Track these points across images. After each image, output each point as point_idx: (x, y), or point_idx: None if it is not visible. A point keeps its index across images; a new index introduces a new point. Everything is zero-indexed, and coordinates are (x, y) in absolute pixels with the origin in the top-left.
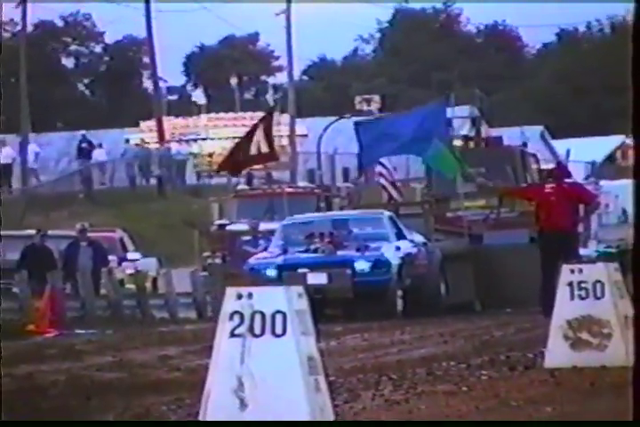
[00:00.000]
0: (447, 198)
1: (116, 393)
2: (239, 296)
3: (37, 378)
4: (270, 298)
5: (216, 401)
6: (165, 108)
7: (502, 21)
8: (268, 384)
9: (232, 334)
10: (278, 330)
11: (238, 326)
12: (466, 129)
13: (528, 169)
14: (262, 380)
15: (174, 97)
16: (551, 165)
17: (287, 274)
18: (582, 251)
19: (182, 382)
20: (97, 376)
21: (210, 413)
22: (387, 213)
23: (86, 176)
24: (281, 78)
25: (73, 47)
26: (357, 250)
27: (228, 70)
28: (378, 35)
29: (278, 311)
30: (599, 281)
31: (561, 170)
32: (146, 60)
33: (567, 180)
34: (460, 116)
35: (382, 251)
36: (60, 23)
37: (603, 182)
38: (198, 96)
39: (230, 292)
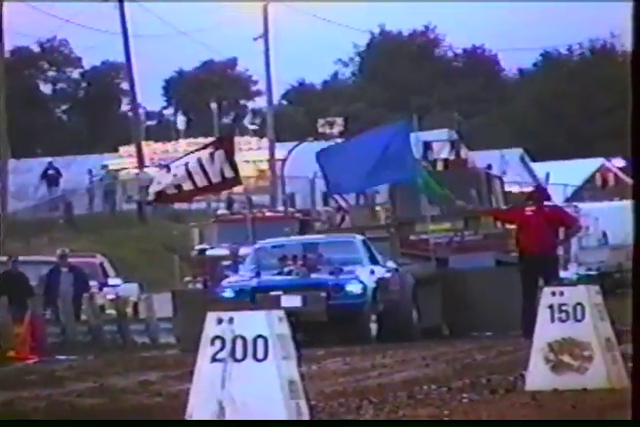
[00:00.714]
0: (412, 221)
1: (96, 419)
2: (220, 321)
3: (18, 404)
4: (251, 322)
5: None
6: (144, 133)
7: (481, 45)
8: (249, 409)
9: (213, 359)
10: (260, 354)
11: (220, 350)
12: (445, 152)
13: (493, 191)
14: (243, 404)
15: (153, 122)
16: (530, 188)
17: (261, 296)
18: (563, 273)
19: (164, 407)
20: (78, 402)
21: None
22: (359, 237)
23: (67, 202)
24: (260, 103)
25: (50, 73)
26: (331, 273)
27: (208, 95)
28: (357, 58)
29: (259, 336)
30: (580, 304)
31: (540, 193)
32: (124, 85)
33: (547, 203)
34: (439, 140)
35: (357, 274)
36: (36, 49)
37: (582, 205)
38: (178, 121)
39: (211, 316)
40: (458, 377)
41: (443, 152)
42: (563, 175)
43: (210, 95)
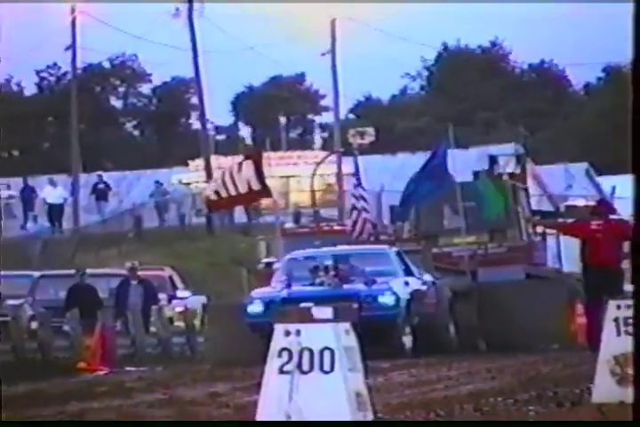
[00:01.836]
0: (435, 235)
1: None
2: (287, 333)
3: (88, 415)
4: (318, 335)
5: None
6: (213, 148)
7: (549, 60)
8: (324, 412)
9: (281, 371)
10: (326, 366)
11: (287, 362)
12: (511, 166)
13: (519, 202)
14: (311, 416)
15: (222, 136)
16: (594, 202)
17: (290, 308)
18: (629, 287)
19: (231, 418)
20: (147, 413)
21: None
22: (394, 249)
23: (137, 215)
24: (328, 117)
25: (121, 89)
26: (364, 284)
27: (276, 110)
28: (425, 73)
29: (326, 348)
30: None
31: (604, 206)
32: (194, 100)
33: (613, 216)
34: (505, 154)
35: (390, 285)
36: (107, 65)
37: None
38: (246, 135)
39: (278, 329)
40: (524, 389)
41: (509, 166)
42: (629, 189)
43: (278, 110)
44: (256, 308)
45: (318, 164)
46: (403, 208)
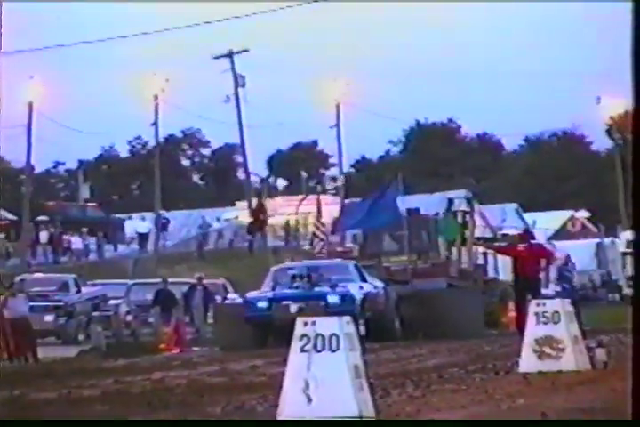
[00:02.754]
0: (377, 254)
1: (220, 392)
2: (306, 324)
3: (167, 382)
4: (328, 325)
5: (290, 397)
6: (254, 193)
7: (490, 132)
8: (326, 385)
9: (301, 350)
10: (334, 347)
11: (306, 344)
12: (463, 206)
13: (469, 230)
14: (323, 382)
15: (260, 185)
16: (519, 231)
17: (275, 305)
18: (545, 291)
19: (267, 384)
20: (207, 380)
21: (286, 406)
22: (352, 262)
23: (199, 241)
24: (334, 171)
25: (189, 152)
26: (330, 287)
27: (298, 166)
28: (403, 140)
29: (334, 334)
30: (557, 312)
31: (526, 235)
32: (240, 159)
33: (533, 241)
34: (459, 197)
35: (349, 288)
36: (179, 135)
37: (557, 243)
38: (278, 184)
39: (299, 320)
40: (472, 363)
41: (462, 206)
42: (545, 222)
43: (299, 166)
44: (253, 306)
45: (297, 205)
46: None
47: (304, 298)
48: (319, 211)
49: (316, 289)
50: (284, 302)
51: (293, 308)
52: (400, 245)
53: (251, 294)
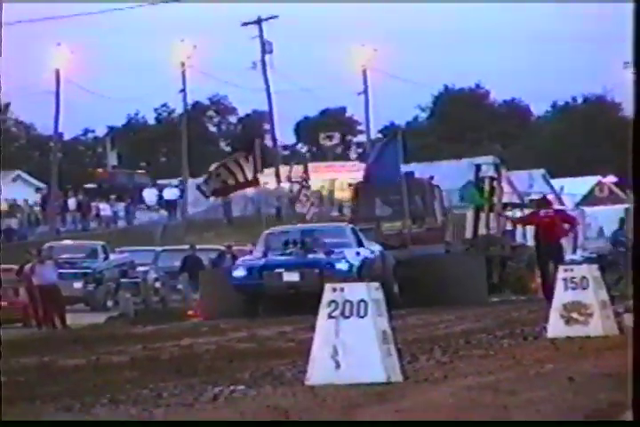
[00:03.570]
0: (371, 219)
1: (249, 358)
2: (334, 290)
3: (195, 348)
4: (356, 291)
5: (318, 363)
6: (281, 160)
7: (518, 98)
8: (355, 351)
9: (329, 316)
10: (362, 313)
11: (334, 310)
12: (491, 172)
13: (434, 196)
14: (351, 348)
15: (287, 152)
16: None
17: (267, 273)
18: (572, 256)
19: (295, 350)
20: (236, 346)
21: (314, 371)
22: (349, 226)
23: (227, 208)
24: (362, 138)
25: (216, 119)
26: (325, 254)
27: (325, 133)
28: (431, 105)
29: (362, 300)
30: (584, 277)
31: (547, 201)
32: (267, 126)
33: (558, 207)
34: (487, 163)
35: (345, 254)
36: (206, 102)
37: (586, 209)
38: (304, 151)
39: (328, 287)
40: (500, 328)
41: (489, 172)
42: (572, 188)
43: (326, 133)
44: (239, 273)
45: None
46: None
47: (298, 266)
48: (307, 178)
49: (311, 256)
50: (277, 270)
51: (287, 276)
52: (393, 210)
53: (241, 261)
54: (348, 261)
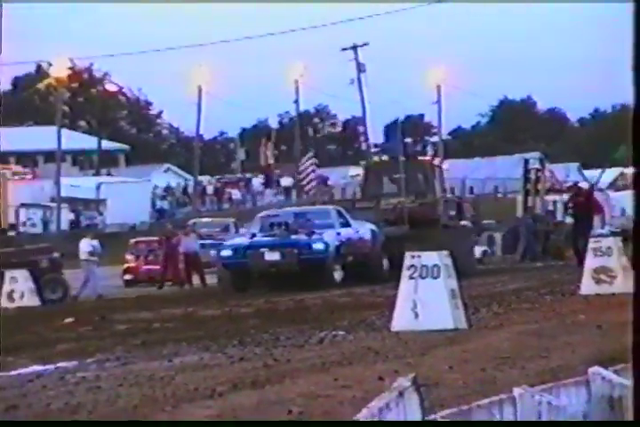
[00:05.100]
0: (378, 196)
1: (347, 310)
2: (413, 257)
3: (306, 302)
4: (430, 257)
5: (401, 314)
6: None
7: (558, 107)
8: (429, 305)
9: (410, 277)
10: (435, 275)
11: (413, 273)
12: (536, 165)
13: (435, 175)
14: (426, 302)
15: (377, 149)
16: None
17: (251, 252)
18: (600, 230)
19: (383, 303)
20: (337, 300)
21: (398, 321)
22: (335, 208)
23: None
24: (436, 138)
25: (319, 125)
26: (307, 235)
27: (408, 135)
28: (490, 113)
29: (435, 265)
30: (609, 247)
31: (576, 188)
32: (361, 129)
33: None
34: (533, 158)
35: (323, 235)
36: (312, 110)
37: (611, 193)
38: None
39: (407, 254)
40: (543, 287)
41: (535, 164)
42: (603, 177)
43: (409, 134)
44: (226, 253)
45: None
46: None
47: (279, 246)
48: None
49: (293, 237)
50: (261, 250)
51: (268, 255)
52: (398, 187)
53: (229, 241)
54: (324, 242)
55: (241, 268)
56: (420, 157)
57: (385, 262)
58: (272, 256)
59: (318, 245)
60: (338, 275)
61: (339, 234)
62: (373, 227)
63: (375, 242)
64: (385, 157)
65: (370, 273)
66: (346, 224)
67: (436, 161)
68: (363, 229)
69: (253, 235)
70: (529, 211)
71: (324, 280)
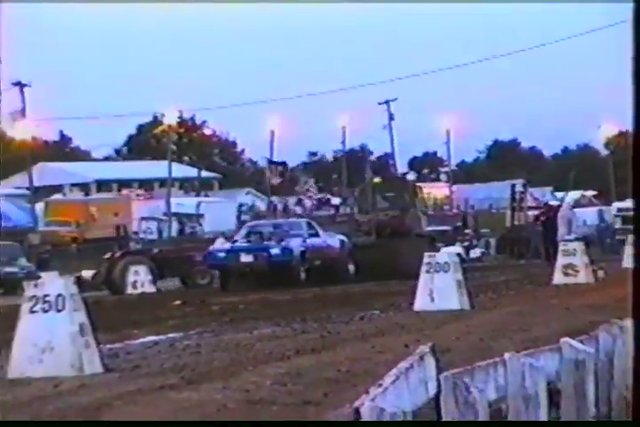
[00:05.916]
0: (367, 210)
1: (379, 297)
2: (429, 256)
3: (348, 290)
4: (442, 256)
5: (420, 299)
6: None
7: (534, 146)
8: (442, 291)
9: (427, 271)
10: (446, 269)
11: (429, 268)
12: (520, 188)
13: (417, 194)
14: (440, 290)
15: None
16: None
17: (230, 255)
18: (567, 237)
19: (407, 291)
20: (372, 289)
21: (418, 303)
22: (305, 220)
23: None
24: (446, 168)
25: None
26: (277, 242)
27: (425, 166)
28: (485, 150)
29: (446, 262)
30: (575, 249)
31: (548, 205)
32: (391, 161)
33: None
34: (518, 183)
35: (289, 242)
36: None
37: (576, 210)
38: (409, 175)
39: (425, 254)
40: (525, 279)
41: (519, 188)
42: (568, 197)
43: (425, 165)
44: (212, 255)
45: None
46: None
47: (252, 250)
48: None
49: (265, 243)
50: (239, 253)
51: (243, 257)
52: (389, 203)
53: (213, 247)
54: (289, 248)
55: (222, 267)
56: (403, 179)
57: (351, 267)
58: (247, 258)
59: (284, 250)
60: (303, 275)
61: (304, 241)
62: (342, 237)
63: (343, 249)
64: (377, 179)
65: (336, 275)
66: (315, 234)
67: (418, 183)
68: (331, 239)
69: (235, 241)
70: (525, 222)
71: (289, 279)
